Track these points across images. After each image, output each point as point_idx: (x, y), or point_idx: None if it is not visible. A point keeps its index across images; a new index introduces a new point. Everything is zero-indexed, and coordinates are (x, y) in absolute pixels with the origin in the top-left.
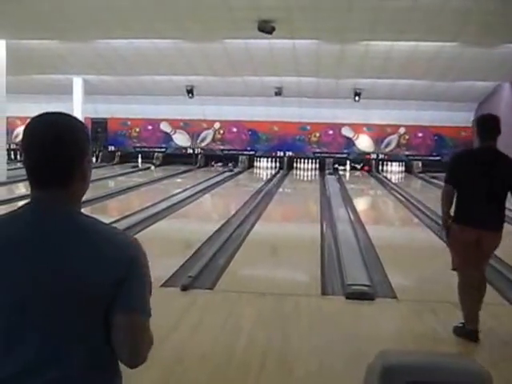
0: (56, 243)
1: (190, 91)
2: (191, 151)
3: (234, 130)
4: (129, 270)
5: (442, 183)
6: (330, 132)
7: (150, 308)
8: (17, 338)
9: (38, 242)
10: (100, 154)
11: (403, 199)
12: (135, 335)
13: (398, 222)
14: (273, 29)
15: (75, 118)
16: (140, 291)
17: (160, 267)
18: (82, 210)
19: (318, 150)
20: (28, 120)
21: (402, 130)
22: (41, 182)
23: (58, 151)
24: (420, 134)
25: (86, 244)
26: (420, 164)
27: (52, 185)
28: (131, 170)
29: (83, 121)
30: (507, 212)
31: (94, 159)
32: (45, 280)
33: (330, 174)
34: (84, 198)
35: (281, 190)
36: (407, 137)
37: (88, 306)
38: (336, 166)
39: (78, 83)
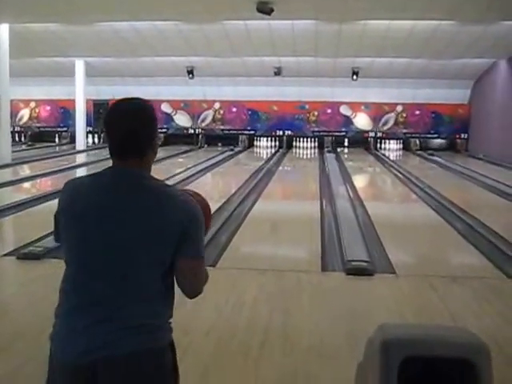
0: (131, 198)
1: (190, 72)
2: (192, 131)
3: (234, 109)
4: (189, 226)
5: (440, 160)
6: (329, 111)
7: (204, 252)
8: (87, 274)
9: (116, 197)
10: (102, 134)
11: (401, 176)
12: (196, 275)
13: (396, 199)
14: (271, 10)
15: (147, 103)
16: (198, 241)
17: None
18: None
19: (316, 129)
20: (32, 102)
21: (399, 108)
22: (121, 153)
23: (136, 129)
24: (417, 112)
25: (154, 200)
26: (418, 142)
27: (130, 155)
28: None
29: (85, 102)
30: (505, 188)
31: (96, 140)
32: (117, 226)
33: (328, 152)
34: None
35: (280, 168)
36: (405, 115)
37: (151, 250)
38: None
39: (80, 65)
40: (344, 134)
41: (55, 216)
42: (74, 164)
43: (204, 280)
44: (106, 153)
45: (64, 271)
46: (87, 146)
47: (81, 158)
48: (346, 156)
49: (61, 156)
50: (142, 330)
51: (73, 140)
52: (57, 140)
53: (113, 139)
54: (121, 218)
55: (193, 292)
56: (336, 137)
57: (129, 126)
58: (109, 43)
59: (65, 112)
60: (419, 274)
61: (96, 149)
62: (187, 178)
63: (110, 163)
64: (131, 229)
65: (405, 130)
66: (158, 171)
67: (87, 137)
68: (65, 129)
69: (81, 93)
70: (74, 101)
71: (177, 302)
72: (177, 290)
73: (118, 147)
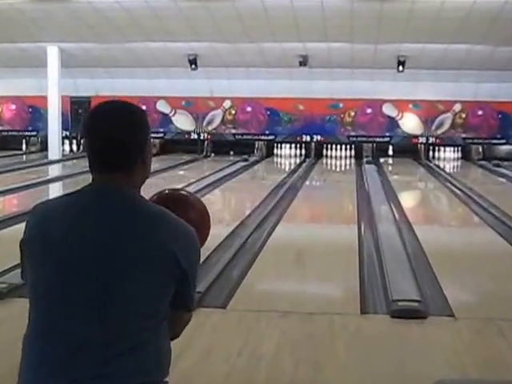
0: (116, 224)
1: (192, 62)
2: (196, 136)
3: (249, 109)
4: (189, 269)
5: (508, 172)
6: (368, 111)
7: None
8: (61, 316)
9: (99, 221)
10: (82, 141)
11: (460, 193)
12: (183, 327)
13: (453, 222)
14: None
15: (135, 106)
16: (193, 289)
17: None
18: None
19: (353, 133)
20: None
21: (457, 107)
22: (103, 166)
23: (120, 137)
24: (480, 112)
25: (145, 228)
26: (480, 149)
27: (114, 169)
28: None
29: (60, 100)
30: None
31: (74, 147)
32: (98, 258)
33: (368, 162)
34: (60, 195)
35: (307, 183)
36: (464, 115)
37: (140, 287)
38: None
39: (53, 53)
40: (388, 139)
41: (20, 246)
42: (46, 178)
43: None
44: (85, 163)
45: (28, 316)
46: (63, 155)
47: (55, 170)
48: (390, 168)
49: (29, 167)
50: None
51: (44, 147)
52: (24, 147)
53: (93, 148)
54: (103, 249)
55: (174, 337)
56: (377, 143)
57: (113, 132)
58: (89, 25)
59: (34, 112)
60: (483, 317)
61: (74, 158)
62: None
63: (90, 176)
64: (116, 261)
65: (464, 135)
66: (153, 187)
67: (63, 143)
68: (34, 133)
69: (54, 88)
70: (45, 98)
71: (177, 354)
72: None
73: (99, 158)
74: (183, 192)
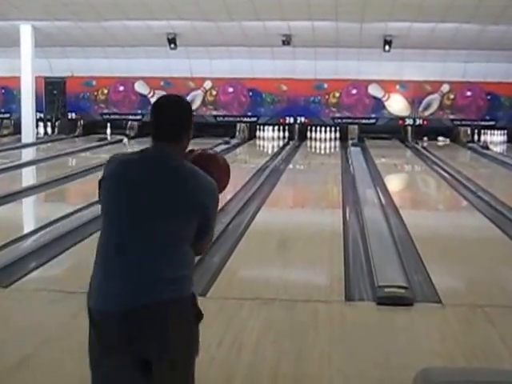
0: (162, 173)
1: (172, 41)
2: None
3: (230, 90)
4: (208, 207)
5: (497, 155)
6: (354, 91)
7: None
8: (121, 229)
9: (155, 172)
10: (57, 123)
11: (448, 176)
12: (206, 247)
13: (441, 206)
14: None
15: (184, 99)
16: (212, 224)
17: None
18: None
19: (338, 115)
20: None
21: (445, 88)
22: (161, 137)
23: (174, 120)
24: (468, 93)
25: (180, 178)
26: (469, 130)
27: (168, 139)
28: (98, 143)
29: (34, 80)
30: None
31: (49, 130)
32: (149, 194)
33: (353, 144)
34: (38, 182)
35: (291, 166)
36: (452, 96)
37: (173, 218)
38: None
39: (26, 32)
40: (373, 121)
41: (99, 182)
42: (19, 162)
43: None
44: (61, 146)
45: (100, 235)
46: (37, 138)
47: (28, 154)
48: (375, 150)
49: (1, 151)
50: (167, 282)
51: (18, 130)
52: None
53: (156, 126)
54: (156, 190)
55: (200, 254)
56: (363, 125)
57: (170, 116)
58: (64, 2)
59: (6, 93)
60: (471, 304)
61: (49, 141)
62: None
63: (66, 160)
64: (159, 198)
65: (452, 117)
66: None
67: (37, 126)
68: (6, 115)
69: (28, 68)
70: (18, 78)
71: None
72: None
73: (160, 132)
74: (211, 152)
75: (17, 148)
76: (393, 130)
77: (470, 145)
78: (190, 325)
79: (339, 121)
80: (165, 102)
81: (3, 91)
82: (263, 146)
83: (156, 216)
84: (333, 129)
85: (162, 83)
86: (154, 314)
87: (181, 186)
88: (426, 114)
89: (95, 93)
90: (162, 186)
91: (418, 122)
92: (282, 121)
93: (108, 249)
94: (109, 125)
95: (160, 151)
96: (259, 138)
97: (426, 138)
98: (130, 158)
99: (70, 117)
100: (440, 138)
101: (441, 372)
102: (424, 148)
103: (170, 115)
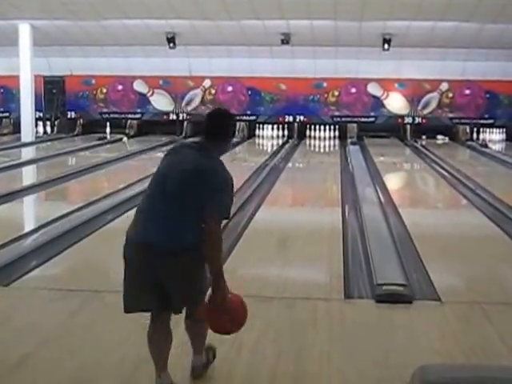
0: (193, 162)
1: (171, 40)
2: (174, 117)
3: (230, 88)
4: (214, 192)
5: (496, 154)
6: (353, 90)
7: (222, 211)
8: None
9: (193, 161)
10: (56, 122)
11: (447, 175)
12: (212, 227)
13: (440, 204)
14: None
15: (229, 111)
16: (220, 204)
17: None
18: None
19: (337, 114)
20: None
21: (444, 87)
22: (208, 137)
23: (220, 126)
24: (467, 92)
25: (205, 167)
26: (467, 129)
27: (212, 139)
28: (97, 142)
29: (33, 79)
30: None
31: (48, 129)
32: (178, 176)
33: (352, 143)
34: (38, 181)
35: (290, 165)
36: (451, 95)
37: (192, 197)
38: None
39: (24, 31)
40: (373, 120)
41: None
42: (18, 161)
43: (215, 240)
44: (60, 145)
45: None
46: (36, 137)
47: (28, 153)
48: (375, 149)
49: (1, 150)
50: (182, 235)
51: (17, 129)
52: None
53: (207, 128)
54: (182, 172)
55: (209, 244)
56: (362, 124)
57: (217, 124)
58: (63, 1)
59: (6, 92)
60: (470, 301)
61: (48, 140)
62: None
63: (65, 159)
64: (184, 179)
65: (451, 115)
66: (131, 168)
67: (36, 125)
68: (6, 114)
69: (27, 67)
70: (17, 77)
71: None
72: None
73: (208, 132)
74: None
75: (16, 147)
76: (392, 129)
77: (469, 143)
78: (198, 267)
79: (338, 119)
80: (216, 112)
81: (2, 90)
82: (262, 145)
83: (181, 191)
84: (332, 127)
85: (160, 82)
86: (168, 251)
87: (204, 174)
88: (425, 112)
89: (94, 92)
90: (192, 169)
91: (417, 120)
92: (281, 119)
93: (148, 204)
94: (108, 124)
95: (207, 148)
96: (258, 136)
97: (424, 137)
98: (180, 148)
99: (69, 116)
100: (439, 137)
101: (438, 369)
102: (423, 146)
103: (218, 124)
